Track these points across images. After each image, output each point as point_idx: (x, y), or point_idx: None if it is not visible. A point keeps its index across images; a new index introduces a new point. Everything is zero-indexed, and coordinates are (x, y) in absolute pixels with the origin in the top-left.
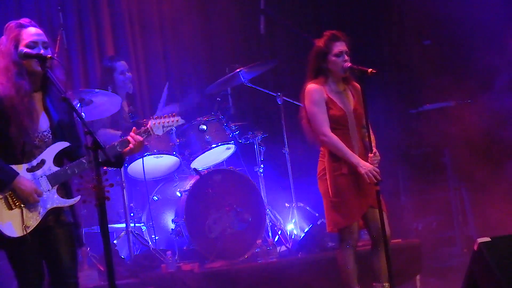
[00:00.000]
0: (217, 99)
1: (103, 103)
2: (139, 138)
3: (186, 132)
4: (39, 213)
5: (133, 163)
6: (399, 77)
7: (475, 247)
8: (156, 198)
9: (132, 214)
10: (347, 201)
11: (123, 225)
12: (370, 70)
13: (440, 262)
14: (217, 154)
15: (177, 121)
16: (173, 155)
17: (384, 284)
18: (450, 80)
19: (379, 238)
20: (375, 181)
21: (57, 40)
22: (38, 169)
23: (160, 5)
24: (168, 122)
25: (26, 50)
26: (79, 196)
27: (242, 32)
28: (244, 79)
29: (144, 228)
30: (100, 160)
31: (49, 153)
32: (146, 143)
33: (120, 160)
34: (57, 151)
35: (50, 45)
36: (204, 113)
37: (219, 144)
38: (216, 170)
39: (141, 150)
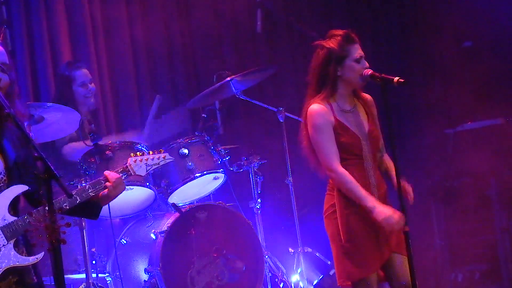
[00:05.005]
0: (202, 115)
1: (57, 121)
2: (116, 175)
3: None
4: None
5: None
6: (432, 88)
7: None
8: (125, 242)
9: (94, 262)
10: (363, 247)
11: (83, 275)
12: (396, 79)
13: None
14: (202, 186)
15: (164, 158)
16: (146, 186)
17: None
18: (497, 91)
19: None
20: (397, 229)
21: None
22: None
23: None
24: (152, 159)
25: None
26: (43, 253)
27: (233, 31)
28: (236, 90)
29: (109, 279)
30: (68, 207)
31: (3, 201)
32: None
33: (96, 209)
34: (12, 197)
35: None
36: (186, 134)
37: (205, 172)
38: (201, 206)
39: (121, 192)
